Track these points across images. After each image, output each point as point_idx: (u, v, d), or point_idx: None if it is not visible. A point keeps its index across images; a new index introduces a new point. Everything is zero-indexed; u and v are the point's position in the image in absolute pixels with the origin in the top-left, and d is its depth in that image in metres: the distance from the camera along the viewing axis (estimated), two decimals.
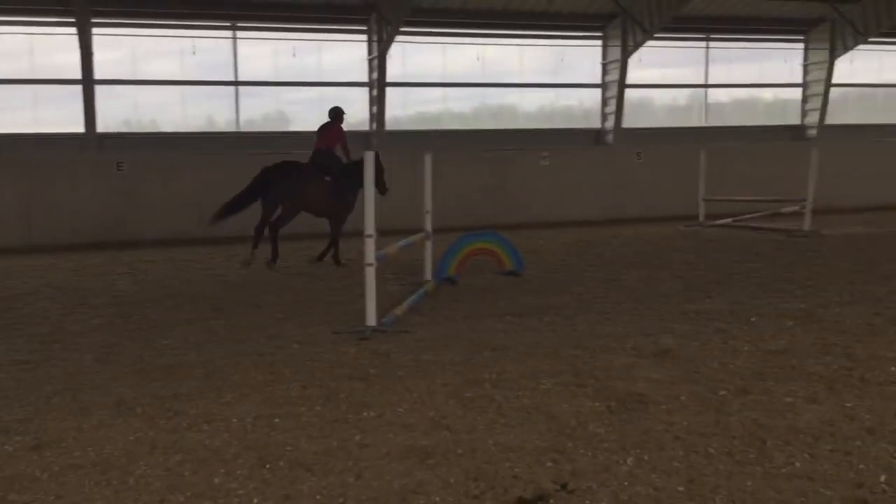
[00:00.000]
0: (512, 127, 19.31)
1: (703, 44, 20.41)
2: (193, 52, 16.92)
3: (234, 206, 11.27)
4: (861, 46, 20.13)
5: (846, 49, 19.95)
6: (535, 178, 17.66)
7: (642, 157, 18.36)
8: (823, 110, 20.56)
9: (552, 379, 5.43)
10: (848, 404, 4.78)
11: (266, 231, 11.33)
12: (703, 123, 20.87)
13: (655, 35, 18.49)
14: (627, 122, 19.73)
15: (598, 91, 19.63)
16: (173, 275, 11.07)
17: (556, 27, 18.97)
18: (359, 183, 9.43)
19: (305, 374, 5.68)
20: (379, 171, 10.61)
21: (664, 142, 19.52)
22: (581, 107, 20.21)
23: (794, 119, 21.23)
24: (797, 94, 21.13)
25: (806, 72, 20.88)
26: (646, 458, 3.98)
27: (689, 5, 17.79)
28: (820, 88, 20.50)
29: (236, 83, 17.36)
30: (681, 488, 3.62)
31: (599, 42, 19.43)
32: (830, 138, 20.35)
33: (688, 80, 20.74)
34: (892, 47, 21.44)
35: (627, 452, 4.06)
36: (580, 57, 19.62)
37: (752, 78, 21.12)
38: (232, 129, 17.54)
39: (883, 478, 3.70)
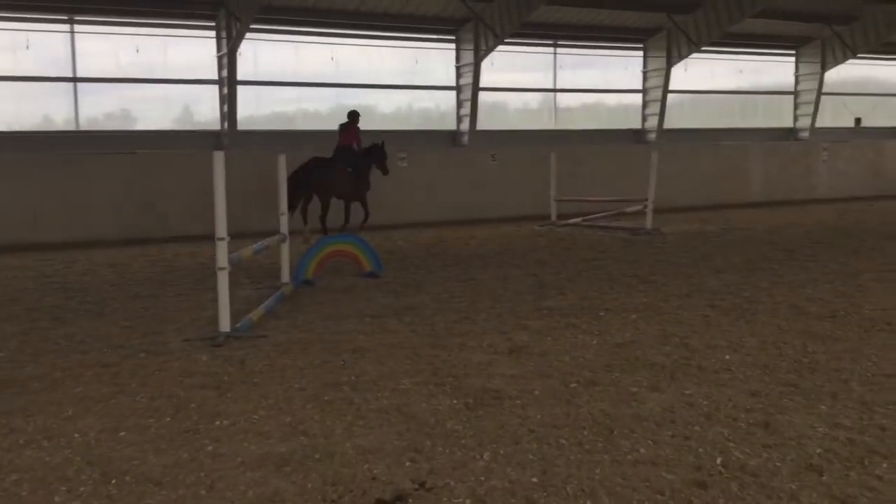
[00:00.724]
0: (369, 128, 19.25)
1: (551, 50, 21.14)
2: (27, 47, 15.81)
3: (294, 199, 13.22)
4: (695, 55, 21.48)
5: (681, 57, 21.22)
6: (392, 179, 17.68)
7: (497, 159, 18.78)
8: (662, 115, 21.78)
9: (411, 379, 5.45)
10: (687, 391, 5.08)
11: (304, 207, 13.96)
12: (553, 126, 21.62)
13: (506, 40, 18.97)
14: (482, 125, 20.13)
15: (454, 93, 19.93)
16: (6, 283, 10.29)
17: (411, 29, 19.09)
18: (370, 164, 14.04)
19: (153, 385, 5.42)
20: (383, 156, 14.31)
21: (517, 144, 20.06)
22: (438, 109, 20.45)
23: (635, 123, 22.37)
24: (638, 99, 22.28)
25: (645, 78, 22.05)
26: (501, 452, 4.07)
27: (536, 12, 18.36)
28: (658, 94, 21.70)
29: (74, 80, 16.36)
30: (535, 480, 3.73)
31: (453, 45, 19.72)
32: (668, 141, 21.59)
33: (538, 84, 21.42)
34: (722, 56, 23.03)
35: (484, 448, 4.14)
36: (435, 59, 19.84)
37: (597, 83, 22.09)
38: (71, 127, 16.50)
39: (719, 460, 3.96)
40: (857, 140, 24.27)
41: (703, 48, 21.26)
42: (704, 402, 4.84)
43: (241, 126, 17.45)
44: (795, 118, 24.27)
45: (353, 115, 14.55)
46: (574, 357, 5.99)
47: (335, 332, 6.95)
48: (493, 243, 13.72)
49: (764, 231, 14.77)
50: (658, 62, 21.61)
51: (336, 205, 14.44)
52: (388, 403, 4.91)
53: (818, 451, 4.03)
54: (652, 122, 21.96)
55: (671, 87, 21.83)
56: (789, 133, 24.23)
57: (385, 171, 14.58)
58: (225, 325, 6.74)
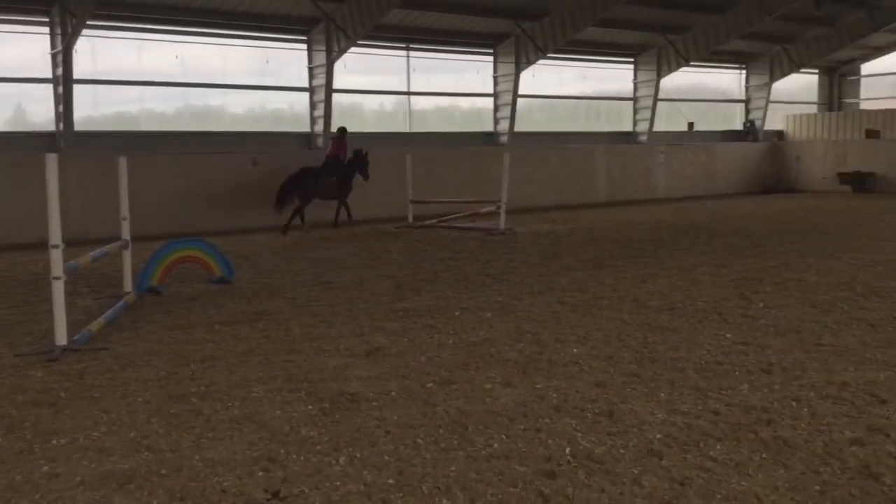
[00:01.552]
0: (218, 129, 18.66)
1: (405, 53, 21.28)
2: None
3: (280, 198, 15.82)
4: (542, 61, 22.24)
5: (529, 63, 21.91)
6: (244, 182, 17.21)
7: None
8: (512, 118, 22.40)
9: (264, 386, 5.32)
10: (538, 385, 5.24)
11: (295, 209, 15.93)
12: (407, 129, 21.75)
13: (359, 42, 18.91)
14: (337, 127, 19.98)
15: (307, 95, 19.65)
16: None
17: (260, 28, 18.66)
18: (354, 170, 16.41)
19: None
20: (365, 164, 16.53)
21: (373, 146, 20.03)
22: (291, 110, 20.09)
23: (488, 126, 22.89)
24: (490, 103, 22.82)
25: (496, 83, 22.60)
26: (358, 455, 4.05)
27: (389, 15, 18.42)
28: (509, 98, 22.30)
29: None
30: (391, 481, 3.72)
31: (305, 46, 19.45)
32: (519, 144, 22.23)
33: (392, 87, 21.50)
34: (568, 63, 23.97)
35: (340, 452, 4.09)
36: (287, 60, 19.49)
37: (450, 87, 22.43)
38: None
39: (568, 450, 4.10)
40: (690, 143, 25.91)
41: (550, 55, 22.03)
42: (554, 395, 5.01)
43: (78, 127, 16.45)
44: (635, 122, 25.60)
45: (342, 131, 17.12)
46: (430, 357, 6.04)
47: (183, 342, 6.68)
48: (349, 246, 13.64)
49: (608, 230, 15.48)
50: (508, 67, 22.20)
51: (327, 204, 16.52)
52: (240, 413, 4.76)
53: (658, 436, 4.26)
54: (503, 126, 22.53)
55: (521, 92, 22.47)
56: (630, 136, 25.53)
57: (366, 177, 16.67)
58: (61, 337, 6.32)
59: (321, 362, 5.92)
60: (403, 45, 21.10)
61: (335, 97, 19.63)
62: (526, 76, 22.43)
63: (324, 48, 18.95)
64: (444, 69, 22.26)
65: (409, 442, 4.23)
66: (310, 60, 19.46)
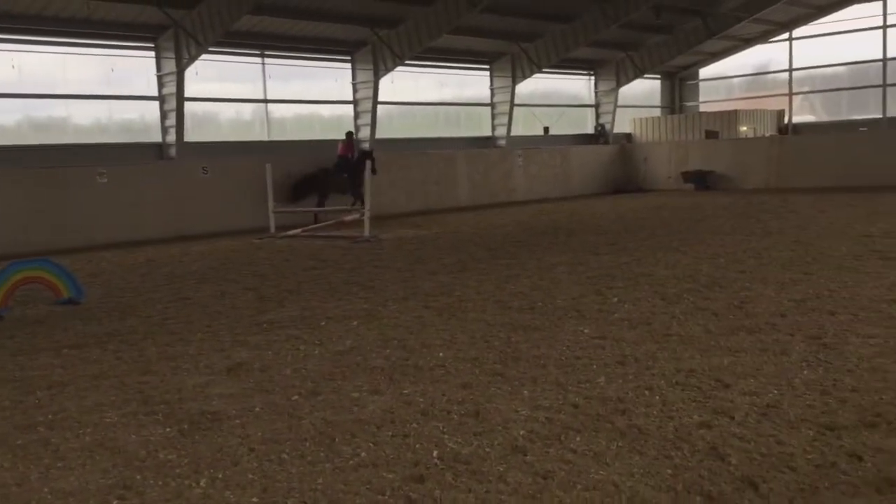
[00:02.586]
0: (62, 142, 17.63)
1: (259, 60, 20.87)
2: None
3: (295, 194, 18.52)
4: (400, 68, 22.40)
5: (387, 70, 22.02)
6: (92, 196, 16.34)
7: (209, 172, 18.12)
8: (373, 125, 22.43)
9: (118, 410, 5.07)
10: (405, 391, 5.26)
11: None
12: (266, 137, 21.33)
13: (211, 49, 18.39)
14: (192, 136, 19.32)
15: (157, 104, 18.89)
16: None
17: (104, 36, 17.80)
18: (363, 167, 16.85)
19: None
20: (372, 160, 18.00)
21: (231, 155, 19.52)
22: (142, 120, 19.26)
23: None
24: (350, 110, 22.74)
25: (355, 90, 22.57)
26: (220, 476, 3.92)
27: (241, 21, 18.02)
28: (368, 106, 22.33)
29: None
30: (255, 500, 3.63)
31: (152, 53, 18.70)
32: (381, 151, 22.27)
33: (248, 95, 21.03)
34: (426, 70, 24.24)
35: (201, 474, 3.95)
36: (134, 68, 18.68)
37: (309, 95, 22.20)
38: None
39: (435, 453, 4.13)
40: (546, 146, 26.80)
41: (408, 62, 22.22)
42: (421, 400, 5.04)
43: None
44: (493, 127, 26.23)
45: (349, 135, 20.15)
46: (296, 369, 5.93)
47: (28, 368, 6.26)
48: (208, 259, 13.21)
49: (471, 233, 15.76)
50: (366, 74, 22.22)
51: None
52: (92, 440, 4.51)
53: (522, 432, 4.37)
54: (364, 133, 22.53)
55: (381, 99, 22.53)
56: (489, 141, 26.12)
57: (374, 172, 18.04)
58: None
59: (179, 382, 5.69)
60: (258, 52, 20.71)
61: (188, 106, 18.99)
62: (385, 83, 22.53)
63: (173, 56, 18.30)
64: (302, 76, 22.02)
65: (273, 458, 4.13)
66: (158, 68, 18.74)
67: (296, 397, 5.21)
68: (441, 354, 6.18)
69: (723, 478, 3.70)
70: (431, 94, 25.05)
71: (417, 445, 4.24)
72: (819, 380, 5.10)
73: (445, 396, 5.08)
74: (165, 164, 18.57)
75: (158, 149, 18.99)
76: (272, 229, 16.41)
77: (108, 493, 3.75)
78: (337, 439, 4.37)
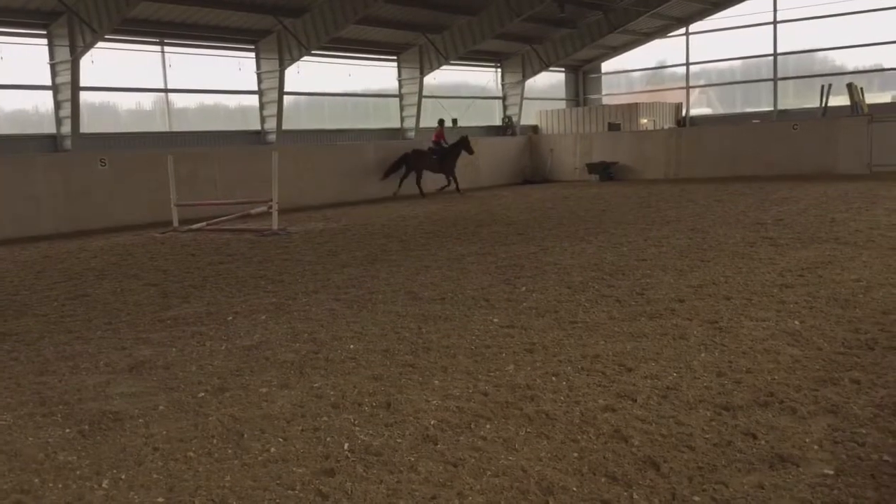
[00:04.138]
0: None
1: (159, 48, 20.22)
2: None
3: (389, 171, 22.20)
4: (307, 58, 22.10)
5: (293, 60, 21.69)
6: None
7: (107, 164, 17.46)
8: (280, 116, 22.07)
9: (13, 413, 4.85)
10: (316, 384, 5.21)
11: (405, 178, 22.53)
12: (168, 128, 20.70)
13: (107, 37, 17.71)
14: (89, 127, 18.57)
15: (50, 93, 18.07)
16: None
17: None
18: (459, 151, 22.76)
19: None
20: (467, 144, 22.81)
21: (130, 147, 18.87)
22: (36, 111, 18.40)
23: (255, 124, 22.38)
24: (255, 100, 22.31)
25: (260, 80, 22.15)
26: (123, 477, 3.80)
27: (138, 8, 17.41)
28: (274, 96, 21.95)
29: None
30: (160, 500, 3.54)
31: (45, 41, 17.87)
32: (289, 142, 21.95)
33: (148, 84, 20.35)
34: (333, 60, 24.00)
35: (103, 475, 3.82)
36: (25, 56, 17.81)
37: (212, 84, 21.65)
38: None
39: (346, 446, 4.12)
40: (456, 138, 26.93)
41: (315, 52, 21.94)
42: (332, 393, 5.01)
43: None
44: (402, 119, 26.20)
45: (441, 122, 23.86)
46: (201, 366, 5.80)
47: None
48: (108, 255, 12.74)
49: (382, 225, 15.72)
50: (271, 64, 21.83)
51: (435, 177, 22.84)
52: None
53: (433, 422, 4.40)
54: (271, 124, 22.14)
55: (287, 89, 22.19)
56: (398, 133, 26.09)
57: (470, 152, 23.07)
58: None
59: (78, 382, 5.48)
60: (157, 41, 20.08)
61: (84, 96, 18.25)
62: (291, 73, 22.20)
63: (67, 43, 17.54)
64: (204, 65, 21.45)
65: (179, 457, 4.04)
66: (51, 56, 17.93)
67: (202, 394, 5.10)
68: (352, 347, 6.16)
69: (626, 459, 3.83)
70: (340, 85, 24.83)
71: (328, 439, 4.22)
72: (715, 362, 5.32)
73: (356, 389, 5.07)
74: (61, 156, 17.78)
75: (53, 141, 18.18)
76: (175, 223, 15.96)
77: (5, 498, 3.59)
78: (245, 435, 4.30)
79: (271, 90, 22.00)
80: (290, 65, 21.77)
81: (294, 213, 17.83)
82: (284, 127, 22.34)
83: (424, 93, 25.96)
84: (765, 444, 3.93)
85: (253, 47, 21.94)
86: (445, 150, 22.79)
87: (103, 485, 3.72)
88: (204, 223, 16.04)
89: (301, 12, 21.02)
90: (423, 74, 25.57)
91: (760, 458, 3.77)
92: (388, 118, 26.24)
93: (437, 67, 25.62)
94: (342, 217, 17.78)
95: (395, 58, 25.78)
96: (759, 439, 3.99)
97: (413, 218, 16.84)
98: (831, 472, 3.57)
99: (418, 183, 22.45)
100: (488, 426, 4.33)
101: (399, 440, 4.16)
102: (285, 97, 22.24)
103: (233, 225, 15.92)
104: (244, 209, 16.55)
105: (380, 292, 8.42)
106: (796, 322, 6.25)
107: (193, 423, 4.54)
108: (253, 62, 22.11)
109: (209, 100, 22.16)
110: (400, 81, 26.02)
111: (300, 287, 8.97)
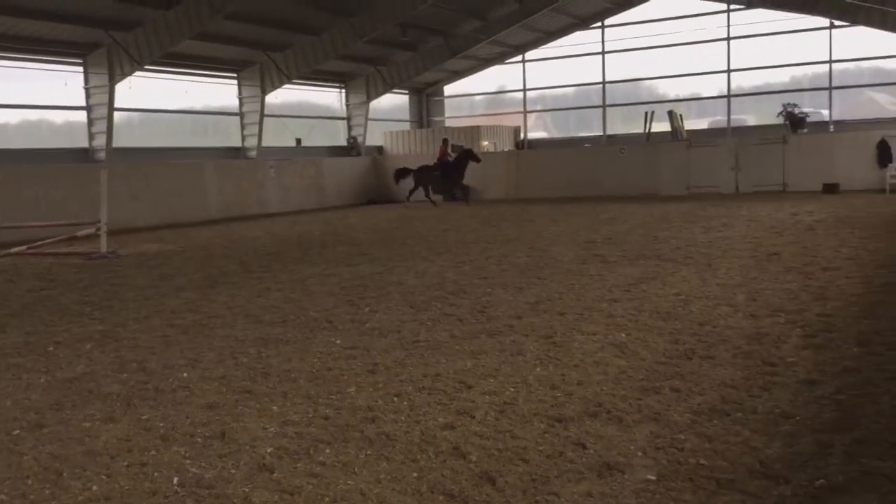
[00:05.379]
0: None
1: None
2: None
3: (397, 178, 25.13)
4: (140, 73, 21.14)
5: (125, 75, 20.68)
6: None
7: None
8: (110, 133, 20.94)
9: None
10: (144, 416, 4.95)
11: (413, 191, 24.65)
12: None
13: None
14: None
15: None
16: None
17: None
18: (464, 163, 24.26)
19: None
20: (470, 154, 24.33)
21: None
22: None
23: (82, 142, 21.12)
24: (83, 116, 21.07)
25: (88, 95, 20.96)
26: None
27: None
28: (104, 112, 20.82)
29: None
30: None
31: None
32: (121, 160, 20.87)
33: None
34: (169, 76, 23.10)
35: None
36: None
37: (37, 99, 20.27)
38: None
39: (176, 480, 3.93)
40: (299, 158, 26.63)
41: (148, 67, 21.05)
42: (161, 425, 4.77)
43: None
44: (243, 138, 25.59)
45: (444, 140, 26.15)
46: (17, 400, 5.37)
47: None
48: None
49: (222, 246, 15.23)
50: (101, 79, 20.73)
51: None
52: None
53: (270, 450, 4.28)
54: (100, 141, 20.98)
55: (118, 105, 21.13)
56: (239, 152, 25.44)
57: (477, 161, 24.16)
58: None
59: None
60: None
61: None
62: (122, 89, 21.15)
63: None
64: (27, 80, 20.06)
65: None
66: None
67: (17, 431, 4.72)
68: (185, 375, 5.90)
69: (464, 475, 3.88)
70: (176, 102, 23.93)
71: (156, 473, 4.01)
72: (549, 376, 5.52)
73: (189, 419, 4.85)
74: None
75: None
76: None
77: None
78: (65, 474, 4.01)
79: (100, 106, 20.85)
80: (121, 80, 20.73)
81: (127, 235, 16.94)
82: (116, 144, 21.22)
83: (267, 111, 25.49)
84: (593, 454, 4.10)
85: (81, 61, 20.74)
86: (450, 164, 24.40)
87: None
88: (24, 247, 14.91)
89: (133, 26, 20.11)
90: (264, 93, 25.11)
91: (589, 467, 3.93)
92: (227, 137, 25.53)
93: (280, 86, 25.25)
94: (179, 239, 17.08)
95: (235, 75, 25.17)
96: (588, 449, 4.17)
97: (255, 239, 16.44)
98: (654, 478, 3.78)
99: (428, 195, 24.35)
100: (328, 451, 4.26)
101: (233, 471, 4.01)
102: (116, 114, 21.15)
103: (56, 248, 14.90)
104: (70, 231, 15.53)
105: (218, 316, 8.14)
106: (623, 335, 6.60)
107: (7, 462, 4.19)
108: (81, 76, 20.89)
109: (33, 115, 20.73)
110: (241, 99, 25.42)
111: (130, 313, 8.51)
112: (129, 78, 20.83)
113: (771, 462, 3.89)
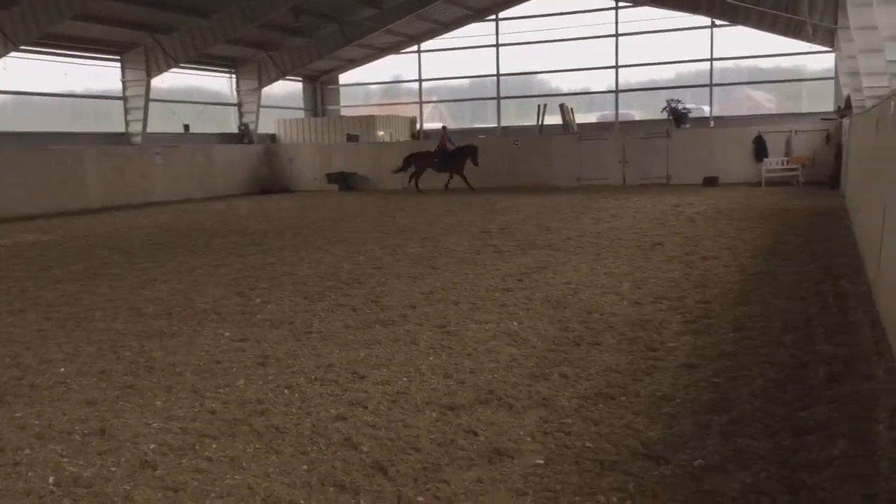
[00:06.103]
0: None
1: None
2: None
3: (403, 168, 24.81)
4: (15, 54, 19.95)
5: None
6: None
7: None
8: None
9: None
10: (17, 414, 4.69)
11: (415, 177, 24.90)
12: None
13: None
14: None
15: None
16: None
17: None
18: (464, 156, 24.21)
19: None
20: (474, 153, 23.99)
21: None
22: None
23: None
24: None
25: None
26: None
27: None
28: None
29: None
30: None
31: None
32: None
33: None
34: (46, 57, 21.89)
35: None
36: None
37: None
38: None
39: (52, 479, 3.75)
40: (188, 145, 25.77)
41: (23, 47, 19.90)
42: (37, 422, 4.53)
43: None
44: (127, 123, 24.56)
45: (444, 129, 26.10)
46: None
47: None
48: None
49: (104, 236, 14.59)
50: None
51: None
52: None
53: (152, 446, 4.13)
54: None
55: None
56: (123, 138, 24.41)
57: (476, 164, 23.91)
58: None
59: None
60: None
61: None
62: None
63: None
64: None
65: None
66: None
67: None
68: (62, 370, 5.62)
69: (355, 466, 3.86)
70: (54, 85, 22.71)
71: (30, 473, 3.81)
72: (443, 364, 5.55)
73: (66, 416, 4.62)
74: None
75: None
76: None
77: None
78: None
79: None
80: None
81: (2, 225, 15.99)
82: None
83: (152, 96, 24.53)
84: (484, 440, 4.15)
85: None
86: (450, 152, 24.40)
87: None
88: None
89: (9, 5, 18.93)
90: (150, 76, 24.15)
91: (480, 454, 3.97)
92: (111, 122, 24.44)
93: (166, 70, 24.34)
94: (58, 228, 16.26)
95: (118, 57, 24.10)
96: (479, 436, 4.21)
97: (140, 229, 15.83)
98: (542, 462, 3.86)
99: (416, 178, 24.59)
100: (214, 445, 4.15)
101: (113, 468, 3.85)
102: None
103: None
104: None
105: (98, 309, 7.79)
106: (515, 323, 6.71)
107: None
108: None
109: None
110: (124, 83, 24.36)
111: (2, 306, 8.05)
112: (3, 59, 19.61)
113: (652, 443, 4.04)
